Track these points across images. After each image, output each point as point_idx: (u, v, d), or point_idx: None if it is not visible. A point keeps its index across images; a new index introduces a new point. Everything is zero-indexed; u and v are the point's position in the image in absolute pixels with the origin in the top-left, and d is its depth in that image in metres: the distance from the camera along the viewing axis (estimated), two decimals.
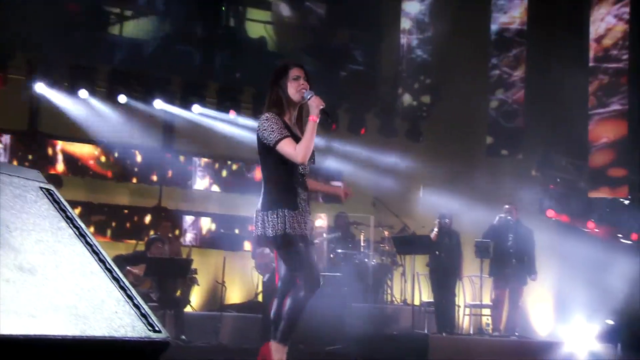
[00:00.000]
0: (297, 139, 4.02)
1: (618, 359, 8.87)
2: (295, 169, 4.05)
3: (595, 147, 11.35)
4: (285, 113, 4.10)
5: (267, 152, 4.04)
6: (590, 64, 11.48)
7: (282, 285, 4.15)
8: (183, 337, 8.12)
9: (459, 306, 9.66)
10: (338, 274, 9.25)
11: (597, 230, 10.76)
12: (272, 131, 3.97)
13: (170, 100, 10.73)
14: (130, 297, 2.07)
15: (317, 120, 3.98)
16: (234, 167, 11.66)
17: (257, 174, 11.73)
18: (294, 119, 4.16)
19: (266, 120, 4.00)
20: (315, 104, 3.99)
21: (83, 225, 2.27)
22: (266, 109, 4.11)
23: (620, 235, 10.72)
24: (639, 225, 10.67)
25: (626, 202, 10.87)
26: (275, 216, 3.97)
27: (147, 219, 10.99)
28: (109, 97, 10.32)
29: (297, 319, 4.04)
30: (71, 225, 2.23)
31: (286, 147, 3.96)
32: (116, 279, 2.10)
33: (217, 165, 11.56)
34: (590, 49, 11.51)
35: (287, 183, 4.03)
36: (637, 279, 9.37)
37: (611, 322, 9.53)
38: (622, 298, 9.28)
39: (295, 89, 4.07)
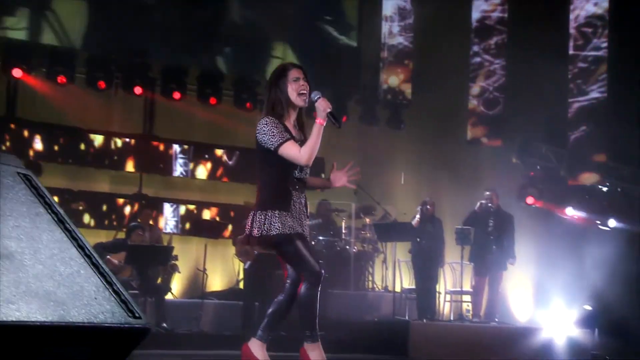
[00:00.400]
0: (298, 142, 4.00)
1: (595, 344, 8.99)
2: (290, 173, 4.02)
3: (574, 135, 11.44)
4: (285, 116, 4.06)
5: (264, 155, 4.01)
6: (570, 52, 11.55)
7: (289, 286, 4.16)
8: (164, 324, 8.11)
9: (439, 293, 9.73)
10: (319, 261, 9.26)
11: (575, 217, 10.86)
12: (273, 135, 3.94)
13: (150, 86, 10.65)
14: (110, 284, 2.06)
15: (324, 124, 3.94)
16: (215, 154, 11.61)
17: (239, 161, 11.71)
18: (294, 121, 4.13)
19: (265, 124, 3.97)
20: (322, 107, 3.95)
21: (62, 211, 2.25)
22: (265, 113, 4.08)
23: (598, 222, 10.83)
24: (616, 212, 10.77)
25: (604, 189, 10.97)
26: (263, 217, 3.97)
27: (128, 206, 10.93)
28: (89, 83, 10.22)
29: (315, 313, 4.02)
30: (50, 211, 2.21)
31: (289, 150, 3.93)
32: (95, 265, 2.09)
33: (198, 152, 11.50)
34: (570, 37, 11.57)
35: (281, 186, 4.01)
36: (614, 265, 9.47)
37: (589, 308, 9.65)
38: (600, 284, 9.38)
39: (295, 90, 4.03)
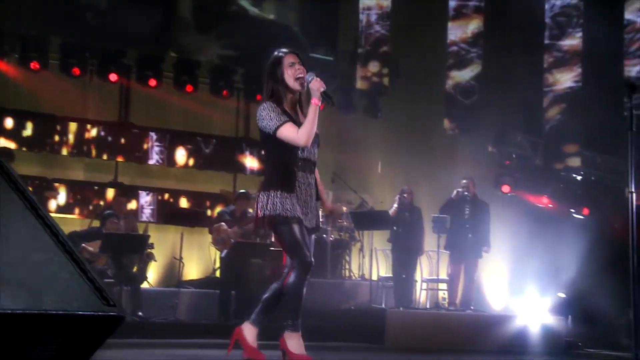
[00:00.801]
0: (298, 125, 4.02)
1: (569, 330, 9.09)
2: (294, 153, 4.05)
3: (549, 124, 11.53)
4: (284, 102, 4.10)
5: (267, 140, 4.06)
6: (546, 42, 11.61)
7: (285, 273, 4.15)
8: (140, 313, 8.07)
9: (416, 281, 9.78)
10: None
11: (550, 205, 10.95)
12: (271, 119, 4.00)
13: (125, 73, 10.55)
14: (83, 271, 2.03)
15: (319, 104, 3.99)
16: (192, 142, 11.54)
17: (215, 149, 11.65)
18: (296, 105, 4.15)
19: (263, 109, 4.03)
20: (316, 87, 3.99)
21: (34, 199, 2.22)
22: (264, 100, 4.12)
23: (572, 210, 10.93)
24: (590, 201, 10.88)
25: (578, 177, 11.07)
26: (266, 197, 4.01)
27: (103, 194, 10.83)
28: (63, 70, 10.10)
29: (299, 303, 4.05)
30: (22, 198, 2.18)
31: (287, 132, 3.98)
32: (69, 253, 2.06)
33: (174, 140, 11.41)
34: (546, 27, 11.63)
35: (285, 167, 4.04)
36: (588, 253, 9.57)
37: (563, 296, 9.75)
38: (574, 272, 9.48)
39: (292, 75, 4.07)
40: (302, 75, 4.08)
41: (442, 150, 11.57)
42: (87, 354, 1.97)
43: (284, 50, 4.19)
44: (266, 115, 4.01)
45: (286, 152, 4.04)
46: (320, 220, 4.21)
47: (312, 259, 4.03)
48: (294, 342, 4.09)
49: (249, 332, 4.20)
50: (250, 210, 9.41)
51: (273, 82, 4.11)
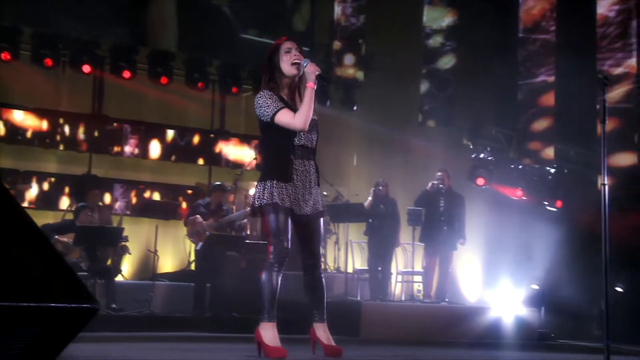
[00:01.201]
0: (295, 111, 4.09)
1: (542, 322, 9.19)
2: (291, 141, 4.09)
3: (524, 117, 11.61)
4: (282, 89, 4.18)
5: (265, 129, 4.13)
6: (520, 35, 11.69)
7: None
8: (114, 306, 8.02)
9: (391, 273, 9.82)
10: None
11: (524, 197, 11.04)
12: (267, 106, 4.07)
13: (99, 64, 10.44)
14: (57, 263, 2.01)
15: (315, 87, 4.06)
16: (166, 134, 11.46)
17: (190, 141, 11.59)
18: (292, 93, 4.19)
19: (260, 97, 4.11)
20: (310, 71, 4.08)
21: (7, 190, 2.19)
22: (261, 88, 4.19)
23: (546, 203, 11.03)
24: (563, 193, 10.99)
25: (552, 170, 11.17)
26: (262, 187, 4.08)
27: (76, 186, 10.72)
28: (35, 61, 9.96)
29: (273, 293, 4.09)
30: None
31: (283, 117, 4.05)
32: (42, 245, 2.04)
33: (148, 133, 11.33)
34: (520, 20, 11.70)
35: (280, 155, 4.09)
36: (561, 245, 9.67)
37: (536, 287, 9.85)
38: (547, 264, 9.57)
39: (287, 61, 4.15)
40: (298, 61, 4.14)
41: (417, 142, 11.60)
42: (60, 346, 1.95)
43: (283, 37, 4.27)
44: (263, 102, 4.08)
45: (282, 140, 4.09)
46: (323, 208, 4.26)
47: (288, 248, 4.06)
48: (266, 332, 4.11)
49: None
50: (232, 202, 9.40)
51: (271, 69, 4.18)
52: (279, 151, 4.10)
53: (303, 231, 4.19)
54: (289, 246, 4.08)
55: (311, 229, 4.18)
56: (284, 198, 4.04)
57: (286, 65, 4.15)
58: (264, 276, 4.08)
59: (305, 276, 4.27)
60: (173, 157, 11.47)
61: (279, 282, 4.11)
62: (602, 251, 4.04)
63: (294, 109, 4.11)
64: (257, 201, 4.08)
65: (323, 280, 4.29)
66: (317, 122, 4.23)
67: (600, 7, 11.11)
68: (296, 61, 4.13)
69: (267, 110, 4.07)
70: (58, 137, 10.70)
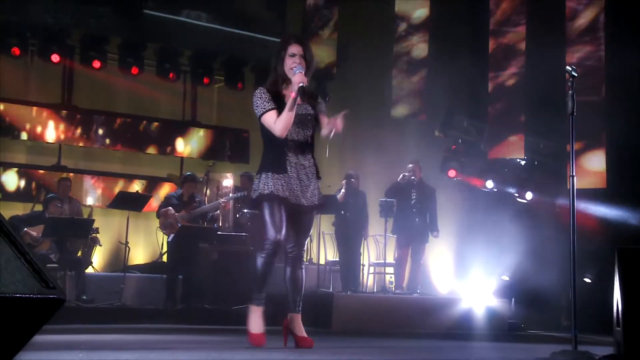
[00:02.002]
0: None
1: (512, 313, 9.29)
2: (285, 137, 4.25)
3: (494, 109, 11.69)
4: (281, 87, 4.34)
5: (261, 124, 4.33)
6: (491, 27, 11.74)
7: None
8: (84, 297, 7.95)
9: (363, 265, 9.84)
10: (244, 233, 9.24)
11: (495, 189, 11.13)
12: (257, 106, 4.28)
13: (69, 54, 10.29)
14: (22, 253, 1.98)
15: (296, 97, 4.18)
16: (138, 125, 11.35)
17: (161, 132, 11.49)
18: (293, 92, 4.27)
19: (254, 95, 4.33)
20: (295, 81, 4.21)
21: None
22: (265, 83, 4.40)
23: (516, 195, 11.12)
24: (533, 185, 11.09)
25: (522, 162, 11.26)
26: (258, 179, 4.28)
27: (45, 178, 10.59)
28: (2, 50, 9.78)
29: (263, 279, 4.26)
30: None
31: (267, 120, 4.25)
32: (6, 234, 2.00)
33: (118, 123, 11.21)
34: (490, 12, 11.76)
35: (276, 149, 4.27)
36: (531, 236, 9.77)
37: (506, 279, 9.95)
38: (517, 255, 9.67)
39: (288, 66, 4.30)
40: (293, 69, 4.26)
41: (389, 135, 11.63)
42: (25, 338, 1.93)
43: (293, 38, 4.43)
44: (255, 100, 4.31)
45: (275, 137, 4.25)
46: (319, 202, 4.38)
47: (281, 238, 4.18)
48: (253, 318, 4.27)
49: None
50: (205, 193, 9.36)
51: (274, 66, 4.37)
52: (274, 145, 4.28)
53: (294, 221, 4.30)
54: (282, 238, 4.20)
55: (302, 220, 4.32)
56: (280, 188, 4.21)
57: (287, 68, 4.31)
58: (256, 262, 4.26)
59: (287, 266, 4.38)
60: (144, 148, 11.36)
61: (271, 270, 4.25)
62: (570, 242, 4.09)
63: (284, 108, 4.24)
64: (254, 193, 4.27)
65: (304, 271, 4.41)
66: (313, 118, 4.38)
67: (569, 0, 11.21)
68: (292, 68, 4.27)
69: (257, 109, 4.29)
70: (27, 128, 10.54)
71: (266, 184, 4.21)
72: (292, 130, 4.26)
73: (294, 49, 4.32)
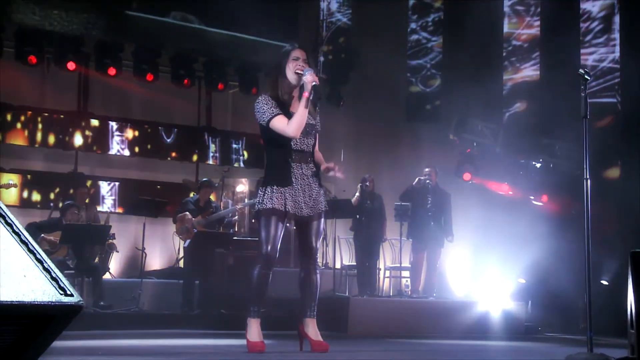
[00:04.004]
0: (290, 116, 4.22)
1: (529, 315, 9.24)
2: (288, 146, 4.25)
3: (509, 112, 11.65)
4: (284, 94, 4.31)
5: (263, 134, 4.31)
6: (505, 30, 11.72)
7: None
8: (102, 303, 8.00)
9: (379, 269, 9.83)
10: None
11: (511, 192, 11.08)
12: (264, 112, 4.22)
13: (84, 62, 10.38)
14: (40, 261, 2.01)
15: (309, 96, 4.19)
16: (153, 131, 11.41)
17: (177, 138, 11.55)
18: (293, 99, 4.31)
19: (257, 102, 4.26)
20: (308, 80, 4.21)
21: None
22: (264, 92, 4.37)
23: (532, 197, 11.08)
24: (549, 188, 11.04)
25: (538, 165, 11.21)
26: (262, 192, 4.27)
27: (63, 184, 10.67)
28: (18, 58, 9.88)
29: (257, 292, 4.27)
30: None
31: (277, 124, 4.19)
32: (24, 243, 2.03)
33: (134, 130, 11.28)
34: (505, 15, 11.74)
35: (280, 160, 4.26)
36: (547, 239, 9.72)
37: (523, 281, 9.90)
38: (533, 258, 9.62)
39: (292, 69, 4.29)
40: (300, 72, 4.28)
41: (404, 138, 11.63)
42: (45, 344, 1.95)
43: (294, 45, 4.42)
44: (260, 108, 4.24)
45: (280, 146, 4.25)
46: (325, 208, 4.40)
47: (272, 254, 4.21)
48: (251, 329, 4.26)
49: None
50: (214, 199, 9.39)
51: (276, 73, 4.34)
52: (278, 157, 4.26)
53: (302, 230, 4.34)
54: (276, 254, 4.24)
55: (310, 227, 4.33)
56: (284, 202, 4.20)
57: (290, 73, 4.29)
58: (252, 275, 4.25)
59: (301, 271, 4.41)
60: (159, 154, 11.42)
61: (267, 282, 4.26)
62: (585, 245, 4.08)
63: (291, 115, 4.23)
64: (257, 205, 4.27)
65: (318, 276, 4.41)
66: (316, 127, 4.39)
67: (583, 2, 11.16)
68: (298, 71, 4.26)
69: (263, 115, 4.22)
70: (43, 135, 10.62)
71: (269, 198, 4.20)
72: (297, 139, 4.25)
73: (297, 53, 4.33)
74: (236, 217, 9.58)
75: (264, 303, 4.35)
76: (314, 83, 4.19)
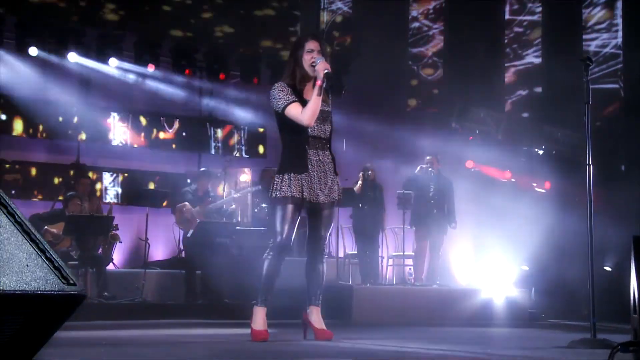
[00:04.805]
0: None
1: (532, 302, 9.25)
2: (304, 133, 4.25)
3: (511, 99, 11.64)
4: (300, 84, 4.33)
5: (278, 120, 4.32)
6: (507, 17, 11.68)
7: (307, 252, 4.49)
8: (105, 294, 8.02)
9: (382, 257, 9.84)
10: (263, 228, 9.27)
11: (513, 179, 11.08)
12: (279, 99, 4.24)
13: (85, 52, 10.37)
14: (42, 251, 2.01)
15: (322, 84, 4.19)
16: (154, 122, 11.41)
17: (179, 129, 11.55)
18: (309, 90, 4.31)
19: (274, 89, 4.29)
20: (320, 68, 4.22)
21: None
22: (281, 80, 4.37)
23: (535, 184, 11.07)
24: (552, 175, 11.04)
25: (540, 152, 11.21)
26: (279, 179, 4.26)
27: (65, 176, 10.67)
28: (19, 49, 9.87)
29: (266, 281, 4.28)
30: None
31: (292, 111, 4.21)
32: (27, 233, 2.03)
33: (136, 120, 11.27)
34: (506, 2, 11.70)
35: (296, 147, 4.26)
36: (550, 226, 9.72)
37: (526, 268, 9.91)
38: (537, 245, 9.63)
39: (307, 61, 4.30)
40: (314, 64, 4.27)
41: (406, 127, 11.61)
42: (47, 334, 1.96)
43: (310, 36, 4.45)
44: (276, 94, 4.26)
45: (296, 132, 4.26)
46: (339, 197, 4.41)
47: (287, 242, 4.22)
48: (256, 318, 4.28)
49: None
50: (219, 189, 9.40)
51: (293, 63, 4.36)
52: (294, 144, 4.27)
53: (314, 217, 4.35)
54: (290, 243, 4.25)
55: (322, 215, 4.34)
56: (300, 189, 4.20)
57: (306, 64, 4.30)
58: (263, 264, 4.28)
59: (308, 258, 4.43)
60: (162, 145, 11.43)
61: (278, 271, 4.28)
62: (588, 231, 4.07)
63: (306, 102, 4.25)
64: (273, 193, 4.25)
65: (324, 266, 4.43)
66: (331, 114, 4.40)
67: None
68: (313, 63, 4.27)
69: (278, 102, 4.24)
70: (46, 126, 10.62)
71: (287, 185, 4.20)
72: (314, 126, 4.26)
73: (312, 44, 4.33)
74: (233, 205, 9.56)
75: (272, 292, 4.34)
76: (326, 71, 4.19)
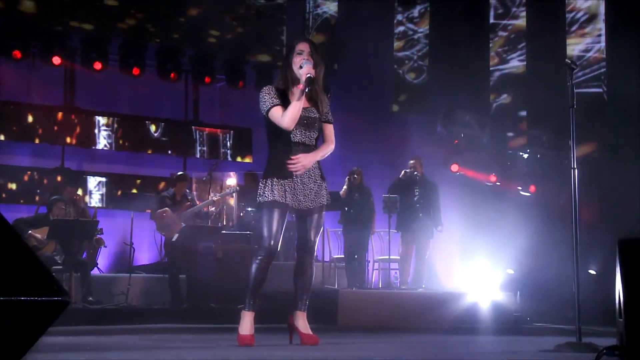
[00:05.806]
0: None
1: (517, 306, 9.28)
2: (289, 139, 4.26)
3: (496, 103, 11.68)
4: (290, 87, 4.32)
5: (265, 124, 4.33)
6: (491, 21, 11.74)
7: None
8: (90, 298, 7.97)
9: (368, 261, 9.84)
10: (248, 232, 9.25)
11: (498, 183, 11.12)
12: (265, 101, 4.27)
13: (70, 56, 10.31)
14: (26, 256, 1.99)
15: (304, 88, 4.20)
16: (139, 125, 11.36)
17: (164, 132, 11.51)
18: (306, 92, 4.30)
19: (261, 92, 4.32)
20: (303, 72, 4.22)
21: None
22: (274, 83, 4.42)
23: (520, 188, 11.12)
24: (536, 178, 11.08)
25: (525, 155, 11.26)
26: (263, 185, 4.27)
27: (49, 180, 10.60)
28: (3, 52, 9.80)
29: (254, 285, 4.27)
30: None
31: (274, 114, 4.23)
32: (11, 238, 2.01)
33: (121, 124, 11.22)
34: (491, 6, 11.75)
35: (280, 152, 4.27)
36: (535, 229, 9.76)
37: (511, 272, 9.94)
38: (521, 249, 9.66)
39: (296, 63, 4.31)
40: (301, 65, 4.28)
41: (391, 130, 11.63)
42: (31, 340, 1.94)
43: (300, 38, 4.54)
44: (262, 97, 4.30)
45: (281, 138, 4.27)
46: (327, 202, 4.42)
47: (274, 247, 4.21)
48: (244, 322, 4.27)
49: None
50: (212, 192, 9.36)
51: (285, 66, 4.38)
52: (279, 149, 4.28)
53: (302, 222, 4.36)
54: (278, 247, 4.25)
55: (310, 220, 4.35)
56: (283, 194, 4.21)
57: (295, 67, 4.31)
58: (250, 269, 4.27)
59: (297, 262, 4.42)
60: (146, 149, 11.38)
61: (265, 275, 4.27)
62: (573, 235, 4.09)
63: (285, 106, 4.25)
64: (258, 197, 4.28)
65: (313, 269, 4.43)
66: (318, 121, 4.39)
67: None
68: (300, 64, 4.28)
69: (263, 105, 4.27)
70: (30, 130, 10.55)
71: (270, 190, 4.21)
72: (297, 132, 4.26)
73: (302, 46, 4.34)
74: (212, 208, 9.53)
75: (259, 297, 4.33)
76: (308, 75, 4.20)
